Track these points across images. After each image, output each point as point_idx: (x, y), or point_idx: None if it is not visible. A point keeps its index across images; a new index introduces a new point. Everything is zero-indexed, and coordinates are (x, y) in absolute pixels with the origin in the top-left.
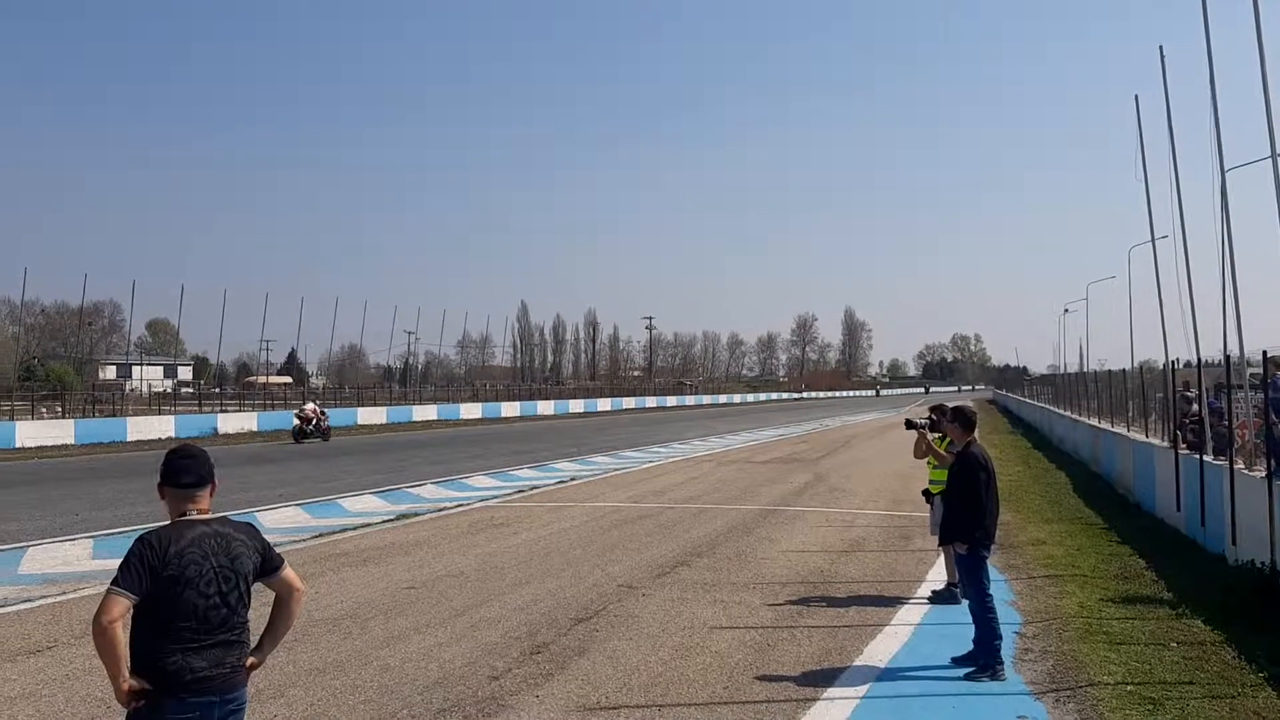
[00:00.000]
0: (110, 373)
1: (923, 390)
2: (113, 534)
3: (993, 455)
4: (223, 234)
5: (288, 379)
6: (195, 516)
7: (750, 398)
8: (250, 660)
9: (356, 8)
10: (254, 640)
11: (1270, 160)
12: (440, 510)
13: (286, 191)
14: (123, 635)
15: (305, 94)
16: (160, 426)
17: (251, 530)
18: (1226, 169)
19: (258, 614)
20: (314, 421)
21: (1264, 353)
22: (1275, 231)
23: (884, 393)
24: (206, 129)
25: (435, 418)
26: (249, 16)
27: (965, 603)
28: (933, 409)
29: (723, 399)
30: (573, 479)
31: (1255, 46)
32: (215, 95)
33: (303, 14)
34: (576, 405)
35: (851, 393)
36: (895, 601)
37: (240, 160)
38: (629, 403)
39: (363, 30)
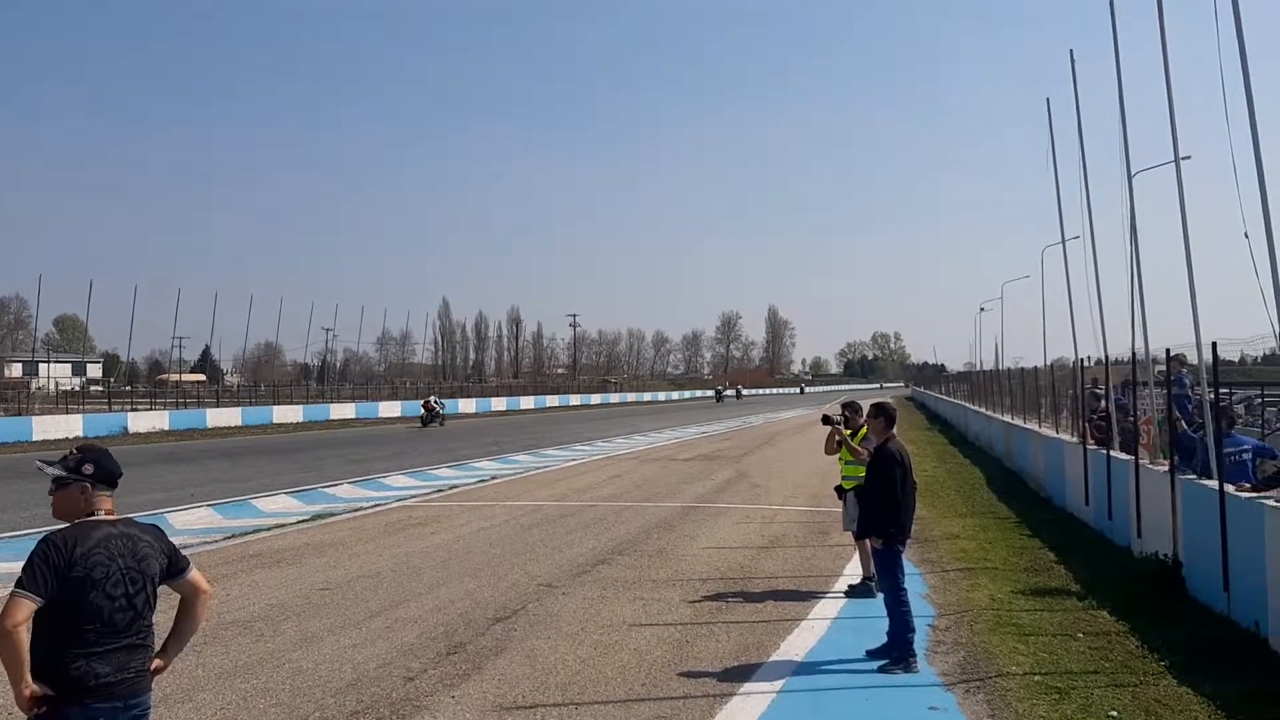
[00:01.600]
0: (16, 370)
1: (797, 391)
2: (18, 536)
3: (910, 451)
4: (133, 228)
5: (201, 377)
6: (101, 517)
7: (675, 395)
8: (155, 663)
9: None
10: (159, 643)
11: (1174, 164)
12: (357, 510)
13: (199, 184)
14: (26, 639)
15: (217, 88)
16: (67, 426)
17: (158, 532)
18: (1133, 173)
19: (164, 615)
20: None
21: (1167, 350)
22: (1179, 233)
23: (805, 390)
24: (114, 120)
25: (354, 416)
26: (149, 11)
27: (880, 596)
28: (845, 405)
29: (647, 396)
30: (493, 478)
31: (1161, 54)
32: (121, 87)
33: (219, 7)
34: (499, 403)
35: (776, 390)
36: (812, 596)
37: (150, 153)
38: (553, 400)
39: (279, 29)
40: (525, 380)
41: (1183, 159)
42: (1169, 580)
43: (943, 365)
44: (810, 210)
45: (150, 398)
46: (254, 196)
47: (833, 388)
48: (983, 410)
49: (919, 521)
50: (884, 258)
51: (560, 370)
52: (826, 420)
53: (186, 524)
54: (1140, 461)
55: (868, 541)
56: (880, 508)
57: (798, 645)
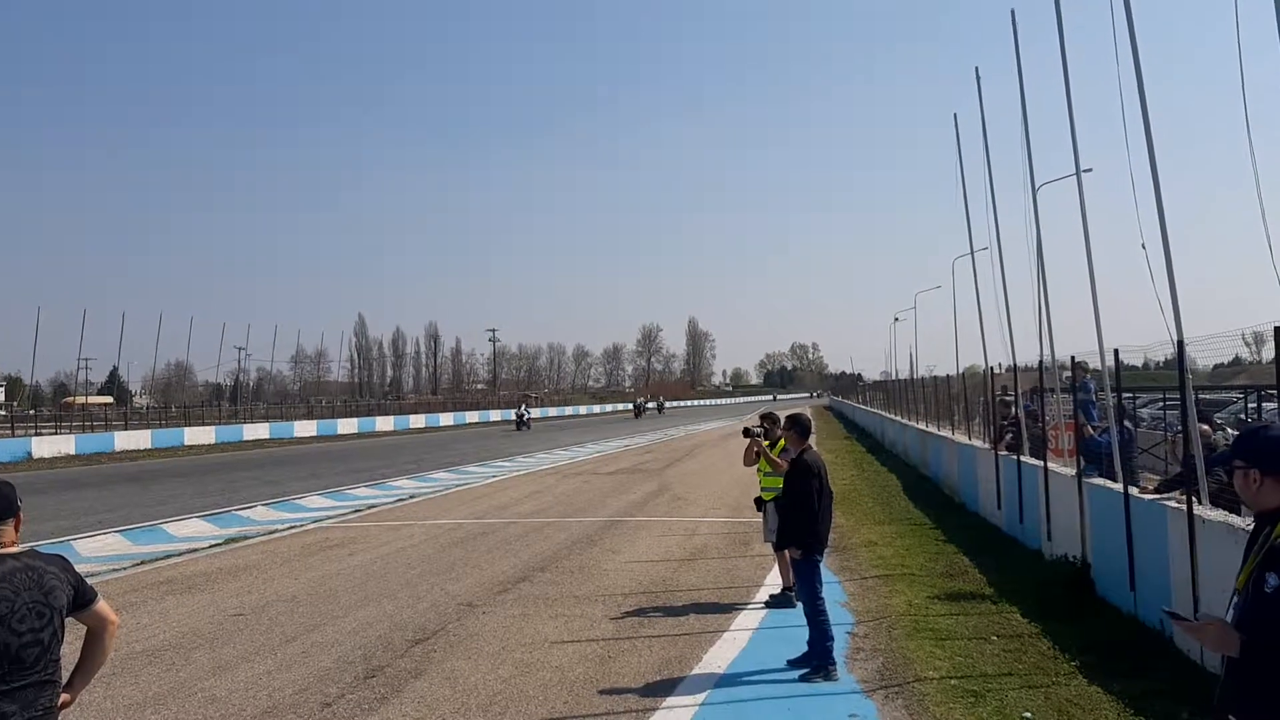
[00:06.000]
0: None
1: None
2: None
3: (828, 460)
4: (36, 246)
5: (109, 399)
6: (3, 551)
7: (597, 409)
8: (62, 698)
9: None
10: (65, 676)
11: (1075, 177)
12: (272, 533)
13: (106, 199)
14: None
15: (115, 93)
16: None
17: (63, 563)
18: (1037, 186)
19: (70, 647)
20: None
21: (1072, 358)
22: (1081, 242)
23: (725, 401)
24: (12, 137)
25: (268, 436)
26: (48, 13)
27: (800, 605)
28: (763, 417)
29: (569, 410)
30: (412, 497)
31: (1062, 71)
32: (17, 93)
33: (128, 21)
34: (418, 420)
35: (697, 402)
36: (734, 607)
37: (51, 171)
38: (473, 416)
39: (183, 41)
40: (444, 397)
41: (1084, 172)
42: (1078, 582)
43: (859, 374)
44: (729, 223)
45: (55, 421)
46: (163, 213)
47: (757, 398)
48: (898, 418)
49: (837, 530)
50: (801, 269)
51: (480, 386)
52: (748, 433)
53: (94, 551)
54: (1049, 466)
55: (787, 552)
56: (798, 518)
57: (720, 657)
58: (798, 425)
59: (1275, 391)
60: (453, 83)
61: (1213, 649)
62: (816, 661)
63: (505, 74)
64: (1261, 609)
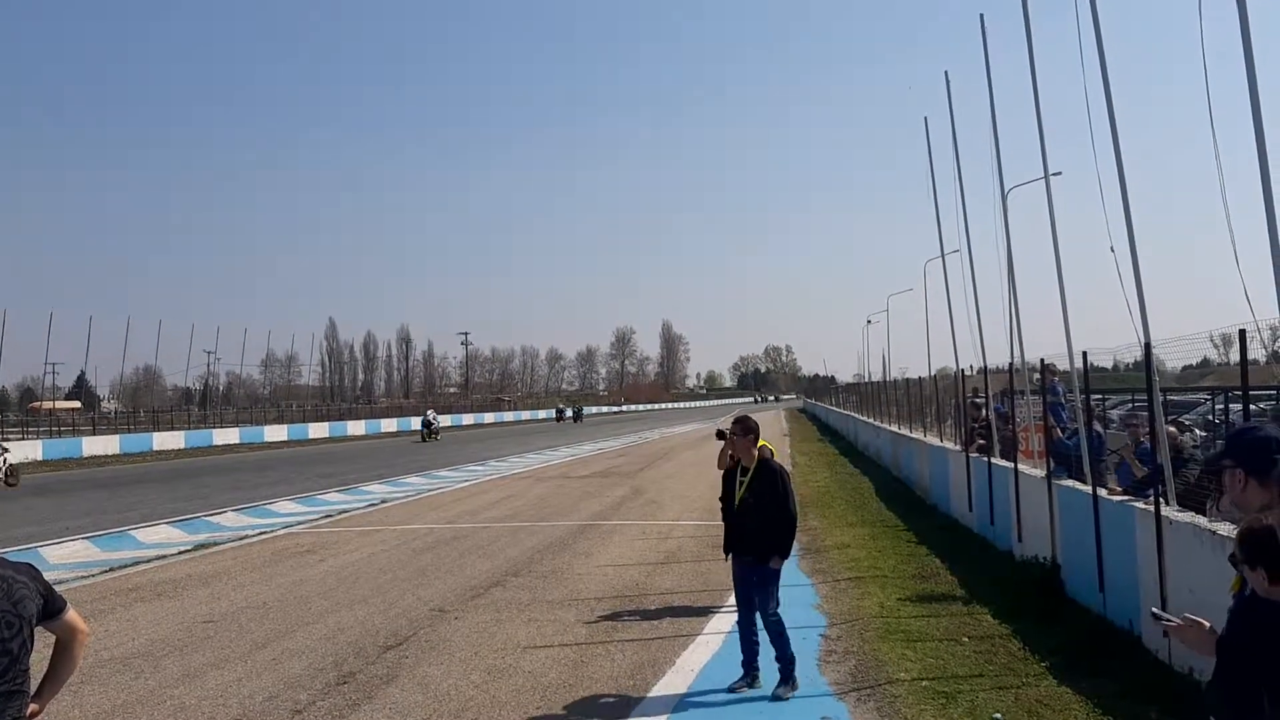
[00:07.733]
0: None
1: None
2: None
3: (802, 462)
4: (1, 249)
5: (76, 404)
6: None
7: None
8: (30, 708)
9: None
10: (34, 686)
11: (1044, 180)
12: (241, 539)
13: (72, 201)
14: None
15: (79, 94)
16: None
17: (32, 571)
18: (1007, 189)
19: (38, 655)
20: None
21: (1041, 360)
22: (1050, 245)
23: (700, 404)
24: None
25: (238, 441)
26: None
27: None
28: (736, 420)
29: (542, 414)
30: (383, 501)
31: (1031, 75)
32: None
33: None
34: (389, 425)
35: (670, 405)
36: (707, 611)
37: (13, 165)
38: (445, 420)
39: (148, 29)
40: (416, 401)
41: (1053, 175)
42: (1049, 582)
43: (833, 377)
44: (703, 226)
45: (22, 427)
46: (130, 216)
47: (734, 400)
48: (871, 420)
49: (810, 532)
50: (776, 272)
51: (452, 389)
52: (721, 435)
53: (61, 558)
54: (1020, 467)
55: (771, 563)
56: (783, 526)
57: (693, 661)
58: (750, 431)
59: (1241, 393)
60: (426, 88)
61: (1194, 649)
62: (784, 670)
63: (478, 78)
64: (1236, 610)
